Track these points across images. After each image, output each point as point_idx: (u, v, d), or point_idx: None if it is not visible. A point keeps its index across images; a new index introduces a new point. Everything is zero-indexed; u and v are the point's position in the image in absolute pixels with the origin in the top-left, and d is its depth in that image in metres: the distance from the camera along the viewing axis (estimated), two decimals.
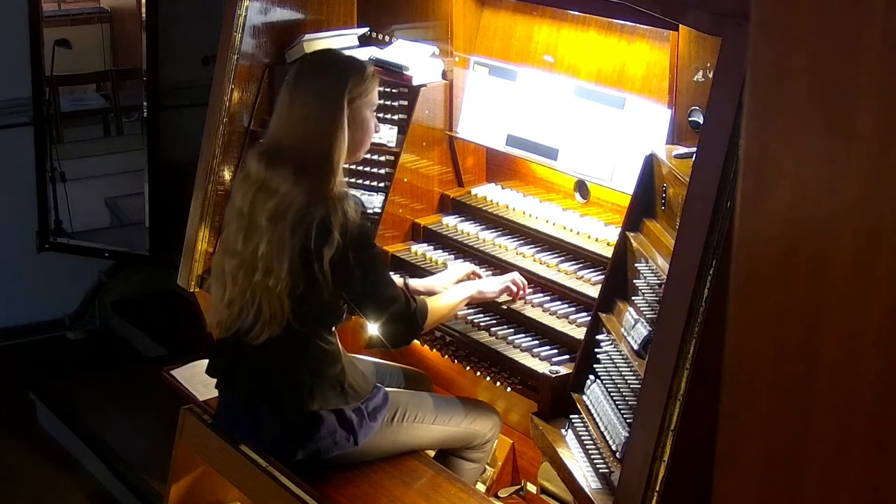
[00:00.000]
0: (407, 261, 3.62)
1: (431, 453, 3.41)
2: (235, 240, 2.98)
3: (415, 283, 3.38)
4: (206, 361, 3.27)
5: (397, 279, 3.37)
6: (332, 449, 3.05)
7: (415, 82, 3.73)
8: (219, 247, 3.11)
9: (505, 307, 3.32)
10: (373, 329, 3.12)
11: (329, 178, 2.92)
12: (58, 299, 5.78)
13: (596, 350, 2.94)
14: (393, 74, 3.76)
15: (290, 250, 2.88)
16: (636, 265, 2.87)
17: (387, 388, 3.20)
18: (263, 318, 2.95)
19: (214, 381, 3.20)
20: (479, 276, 3.41)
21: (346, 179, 3.77)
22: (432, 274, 3.51)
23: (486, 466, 3.58)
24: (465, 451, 3.35)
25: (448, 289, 3.29)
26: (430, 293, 3.34)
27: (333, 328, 3.08)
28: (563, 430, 2.96)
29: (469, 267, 3.44)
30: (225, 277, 3.01)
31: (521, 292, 3.31)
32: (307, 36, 3.93)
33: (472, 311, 3.37)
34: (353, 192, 3.72)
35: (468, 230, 3.66)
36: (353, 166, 3.77)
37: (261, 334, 2.96)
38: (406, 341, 3.16)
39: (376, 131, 3.17)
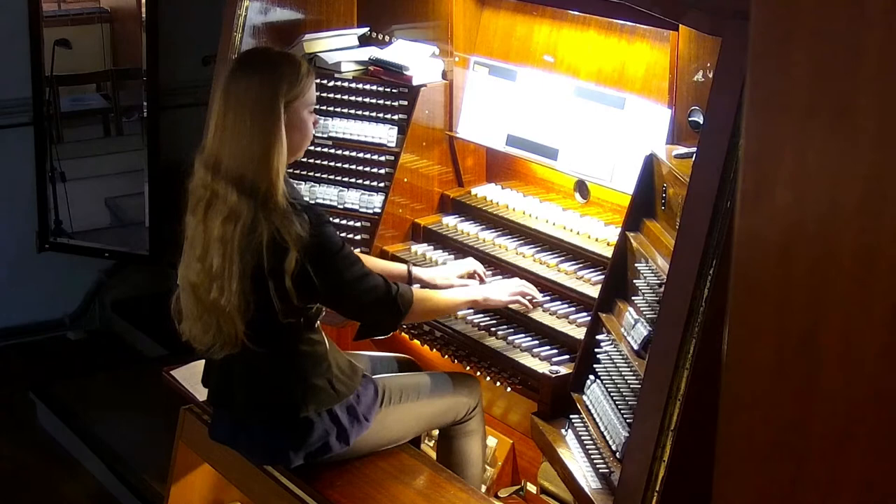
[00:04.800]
0: (406, 261, 3.61)
1: (433, 454, 3.41)
2: (191, 254, 2.93)
3: (418, 271, 3.37)
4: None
5: (401, 266, 3.37)
6: (325, 451, 3.03)
7: (415, 82, 3.73)
8: (182, 257, 3.06)
9: (520, 310, 3.29)
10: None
11: (271, 193, 2.83)
12: (58, 299, 5.79)
13: (596, 350, 2.94)
14: (393, 74, 3.76)
15: (239, 271, 2.82)
16: (636, 265, 2.87)
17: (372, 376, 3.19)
18: (221, 337, 2.91)
19: (207, 392, 3.20)
20: (481, 277, 3.40)
21: (346, 180, 3.78)
22: None
23: (486, 466, 3.58)
24: (458, 425, 3.31)
25: (455, 288, 3.26)
26: (432, 283, 3.32)
27: (316, 325, 3.04)
28: (563, 430, 2.96)
29: (473, 264, 3.42)
30: (189, 291, 2.96)
31: (533, 300, 3.27)
32: (307, 36, 3.93)
33: (472, 311, 3.36)
34: (352, 192, 3.74)
35: (468, 230, 3.66)
36: (353, 166, 3.77)
37: (220, 350, 2.93)
38: (391, 326, 3.10)
39: (315, 128, 3.06)
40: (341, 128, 3.80)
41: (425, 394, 3.22)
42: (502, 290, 3.26)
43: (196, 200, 2.92)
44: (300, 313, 2.94)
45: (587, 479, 2.76)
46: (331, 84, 3.82)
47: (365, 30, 4.06)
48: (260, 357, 2.95)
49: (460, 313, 3.35)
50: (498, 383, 3.21)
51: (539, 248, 3.48)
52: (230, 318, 2.86)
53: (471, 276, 3.40)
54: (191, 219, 2.95)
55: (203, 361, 3.29)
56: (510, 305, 3.27)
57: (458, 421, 3.30)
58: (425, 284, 3.34)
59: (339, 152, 3.79)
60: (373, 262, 3.27)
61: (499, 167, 3.87)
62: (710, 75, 2.83)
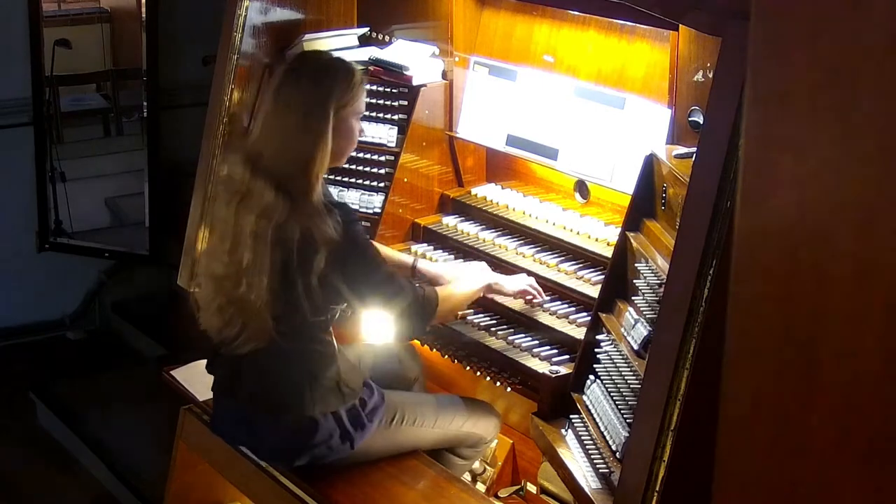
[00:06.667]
0: (412, 257, 3.61)
1: None
2: (222, 247, 2.95)
3: (424, 265, 3.38)
4: (205, 361, 3.26)
5: (407, 259, 3.38)
6: (329, 455, 3.04)
7: (415, 82, 3.73)
8: (206, 247, 3.08)
9: (520, 310, 3.30)
10: (382, 324, 3.12)
11: (308, 191, 2.87)
12: (58, 299, 5.78)
13: (596, 350, 2.94)
14: (393, 74, 3.76)
15: (269, 266, 2.85)
16: (636, 265, 2.87)
17: (386, 391, 3.20)
18: (248, 332, 2.93)
19: (213, 380, 3.20)
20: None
21: (346, 180, 3.78)
22: (433, 273, 3.51)
23: (486, 466, 3.58)
24: (460, 448, 3.34)
25: (462, 277, 3.25)
26: (436, 281, 3.32)
27: (329, 327, 3.07)
28: (563, 430, 2.96)
29: (482, 267, 3.40)
30: (213, 283, 2.98)
31: (538, 298, 3.27)
32: (307, 36, 3.93)
33: (472, 311, 3.36)
34: (352, 192, 3.75)
35: (468, 230, 3.66)
36: (354, 166, 3.77)
37: (245, 345, 2.95)
38: (421, 329, 3.13)
39: (361, 135, 3.10)
40: None
41: (443, 421, 3.25)
42: (510, 281, 3.28)
43: (230, 193, 2.94)
44: (326, 312, 2.97)
45: (587, 479, 2.76)
46: None
47: (365, 30, 4.06)
48: (272, 353, 2.96)
49: (460, 313, 3.35)
50: (498, 383, 3.20)
51: (539, 248, 3.48)
52: (259, 314, 2.88)
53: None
54: (222, 210, 2.96)
55: (204, 362, 3.29)
56: (516, 297, 3.28)
57: (466, 445, 3.34)
58: (431, 280, 3.35)
59: None
60: (382, 251, 3.27)
61: (499, 167, 3.87)
62: (710, 75, 2.83)
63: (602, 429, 2.76)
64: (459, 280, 3.24)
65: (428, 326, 3.13)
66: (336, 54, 3.23)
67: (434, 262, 3.57)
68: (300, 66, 3.00)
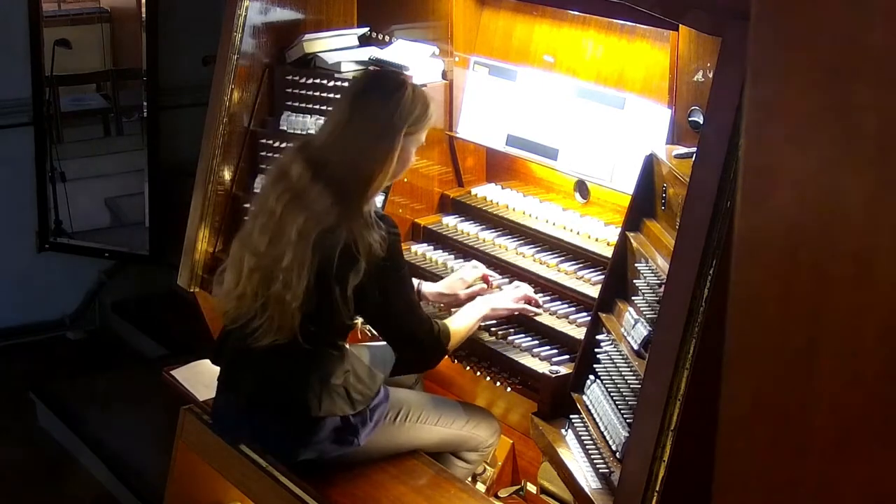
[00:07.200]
0: (406, 261, 3.61)
1: None
2: (260, 239, 2.95)
3: (426, 288, 3.36)
4: (205, 361, 3.27)
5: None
6: (334, 451, 3.05)
7: (415, 82, 3.72)
8: (239, 233, 3.07)
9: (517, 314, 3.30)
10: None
11: (362, 203, 2.91)
12: (58, 299, 5.78)
13: (596, 350, 2.94)
14: None
15: (308, 269, 2.87)
16: (636, 265, 2.87)
17: (391, 388, 3.20)
18: (272, 326, 2.94)
19: (215, 381, 3.19)
20: (489, 281, 3.39)
21: None
22: (433, 274, 3.51)
23: (486, 466, 3.58)
24: (462, 451, 3.35)
25: (461, 310, 3.23)
26: (440, 299, 3.34)
27: (347, 335, 3.09)
28: (563, 430, 2.96)
29: (479, 270, 3.40)
30: (241, 270, 2.99)
31: (536, 307, 3.27)
32: (307, 36, 3.93)
33: None
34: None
35: (468, 230, 3.66)
36: None
37: (264, 338, 2.95)
38: (431, 364, 3.17)
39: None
40: None
41: (445, 420, 3.26)
42: (506, 299, 3.26)
43: (283, 188, 2.95)
44: (351, 320, 3.01)
45: (587, 479, 2.76)
46: (331, 84, 3.82)
47: (365, 30, 4.06)
48: (286, 351, 2.96)
49: None
50: (498, 383, 3.20)
51: (539, 248, 3.48)
52: (290, 311, 2.89)
53: (485, 280, 3.38)
54: (271, 202, 2.95)
55: (203, 362, 3.30)
56: (516, 311, 3.27)
57: (467, 448, 3.34)
58: (434, 300, 3.35)
59: None
60: None
61: (499, 167, 3.87)
62: (710, 75, 2.83)
63: (602, 429, 2.76)
64: (460, 314, 3.20)
65: (437, 363, 3.15)
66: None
67: (434, 262, 3.58)
68: (384, 85, 3.04)
